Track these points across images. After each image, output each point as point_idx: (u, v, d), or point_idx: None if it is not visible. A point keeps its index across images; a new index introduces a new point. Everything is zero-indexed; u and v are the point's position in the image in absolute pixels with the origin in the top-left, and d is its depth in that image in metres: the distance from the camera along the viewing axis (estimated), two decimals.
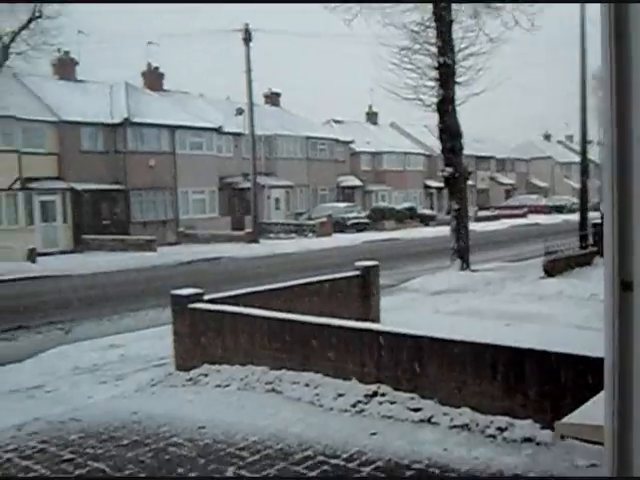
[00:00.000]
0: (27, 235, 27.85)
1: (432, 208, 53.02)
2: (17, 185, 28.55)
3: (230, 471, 4.86)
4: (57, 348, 10.18)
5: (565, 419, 2.77)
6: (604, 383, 1.77)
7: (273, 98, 47.40)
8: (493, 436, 5.23)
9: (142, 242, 29.13)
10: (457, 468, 4.77)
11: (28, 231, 28.48)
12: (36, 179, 29.26)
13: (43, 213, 29.65)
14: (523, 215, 53.94)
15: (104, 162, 31.66)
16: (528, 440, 5.04)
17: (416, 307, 12.74)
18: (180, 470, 4.92)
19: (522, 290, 14.00)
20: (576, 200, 35.62)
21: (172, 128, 33.96)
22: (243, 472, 4.84)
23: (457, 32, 17.01)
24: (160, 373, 8.15)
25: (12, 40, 21.05)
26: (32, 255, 24.25)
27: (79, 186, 30.33)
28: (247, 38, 32.10)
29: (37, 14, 20.96)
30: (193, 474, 4.84)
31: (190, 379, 7.51)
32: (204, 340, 7.85)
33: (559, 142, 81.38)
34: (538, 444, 4.98)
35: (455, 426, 5.48)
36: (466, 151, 19.50)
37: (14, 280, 20.17)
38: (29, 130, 29.28)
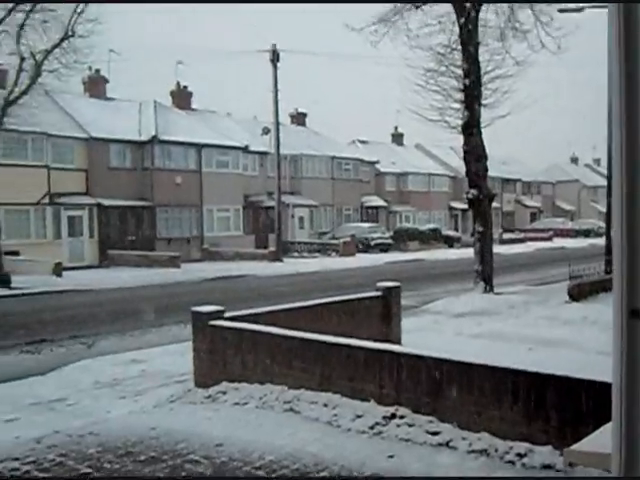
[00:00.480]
0: (54, 249, 28.25)
1: (457, 230, 52.78)
2: (46, 200, 29.02)
3: None
4: (79, 362, 10.27)
5: (574, 446, 2.73)
6: (612, 411, 1.75)
7: (299, 118, 47.75)
8: (512, 462, 5.16)
9: (166, 258, 29.37)
10: None
11: (55, 245, 28.89)
12: (64, 194, 29.73)
13: (70, 228, 30.07)
14: (549, 238, 53.45)
15: (131, 179, 32.08)
16: (547, 467, 4.97)
17: (438, 329, 12.65)
18: None
19: (546, 314, 13.83)
20: (602, 224, 35.24)
21: (199, 146, 34.33)
22: None
23: (483, 55, 17.05)
24: (179, 389, 8.17)
25: (45, 58, 21.48)
26: (58, 269, 24.56)
27: (106, 202, 30.74)
28: (274, 59, 32.44)
29: (70, 33, 21.39)
30: None
31: (209, 396, 7.52)
32: (224, 357, 7.87)
33: (586, 165, 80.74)
34: (558, 471, 4.90)
35: (473, 451, 5.42)
36: (492, 173, 19.45)
37: (40, 293, 20.43)
38: (59, 146, 29.82)
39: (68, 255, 29.10)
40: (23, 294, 20.32)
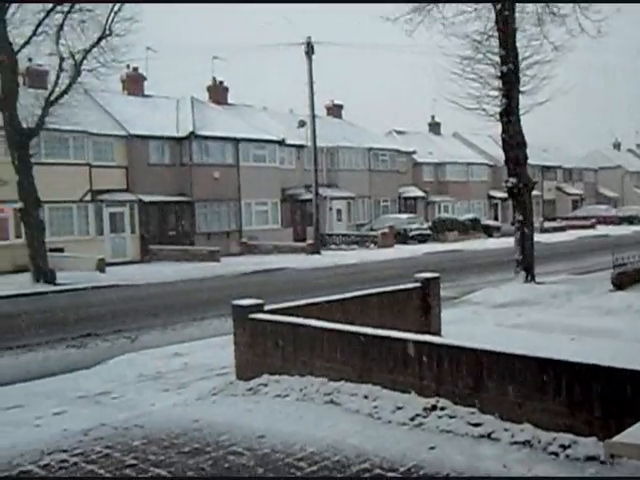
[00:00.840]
0: (97, 245, 28.80)
1: (496, 219, 52.14)
2: (88, 197, 29.57)
3: None
4: (123, 356, 10.48)
5: (616, 438, 2.69)
6: None
7: (335, 110, 47.66)
8: (555, 453, 5.10)
9: (206, 253, 29.68)
10: None
11: (98, 241, 29.44)
12: (106, 191, 30.25)
13: (112, 224, 30.59)
14: (591, 226, 52.44)
15: (170, 174, 32.47)
16: (592, 459, 4.90)
17: (478, 320, 12.55)
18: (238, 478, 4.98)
19: (589, 303, 13.61)
20: None
21: (236, 141, 34.54)
22: None
23: (521, 40, 16.77)
24: (221, 382, 8.27)
25: (84, 58, 21.82)
26: (101, 265, 25.02)
27: (146, 198, 31.18)
28: (309, 51, 32.43)
29: (107, 32, 21.69)
30: None
31: (250, 389, 7.60)
32: (264, 350, 7.94)
33: (629, 150, 78.89)
34: (602, 463, 4.83)
35: (516, 442, 5.38)
36: (531, 161, 19.14)
37: (84, 289, 20.86)
38: (99, 144, 30.35)
39: (111, 251, 29.64)
40: (68, 290, 20.77)
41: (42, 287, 20.96)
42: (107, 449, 5.78)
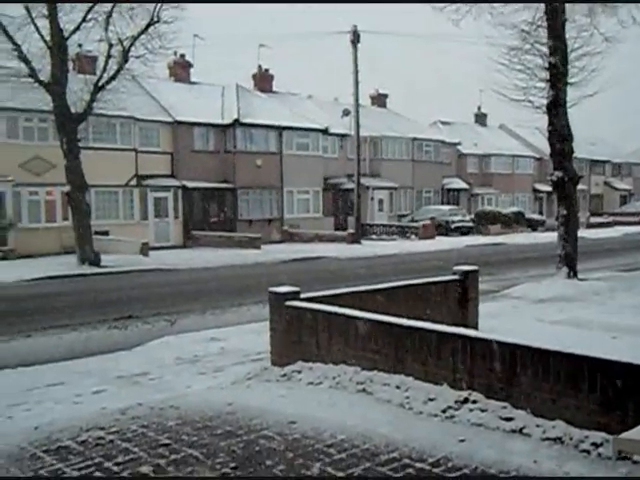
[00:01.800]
0: (141, 229, 29.32)
1: (541, 213, 51.32)
2: (133, 182, 30.09)
3: (316, 467, 4.95)
4: (163, 338, 10.70)
5: (624, 434, 2.64)
6: None
7: (380, 99, 47.41)
8: (587, 451, 5.04)
9: (247, 239, 29.95)
10: None
11: (142, 226, 29.97)
12: (150, 176, 30.74)
13: (156, 209, 31.09)
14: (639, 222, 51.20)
15: (214, 161, 32.80)
16: (624, 458, 4.83)
17: (517, 315, 12.42)
18: (268, 462, 5.06)
19: (632, 302, 13.32)
20: None
21: (280, 129, 34.68)
22: (329, 469, 4.92)
23: (570, 31, 16.41)
24: (256, 367, 8.38)
25: (132, 44, 22.17)
26: (145, 249, 25.47)
27: (190, 184, 31.57)
28: (355, 39, 32.30)
29: (155, 19, 21.97)
30: (280, 467, 4.97)
31: (284, 375, 7.68)
32: (299, 337, 8.01)
33: None
34: (635, 462, 4.76)
35: (548, 438, 5.33)
36: (578, 154, 18.81)
37: (127, 272, 21.29)
38: (145, 130, 30.82)
39: (154, 235, 30.14)
40: (112, 272, 21.23)
41: (87, 269, 21.47)
42: (143, 428, 5.92)
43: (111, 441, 5.60)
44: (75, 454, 5.34)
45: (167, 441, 5.56)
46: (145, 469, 4.97)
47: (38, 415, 6.79)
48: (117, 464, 5.09)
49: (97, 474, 4.92)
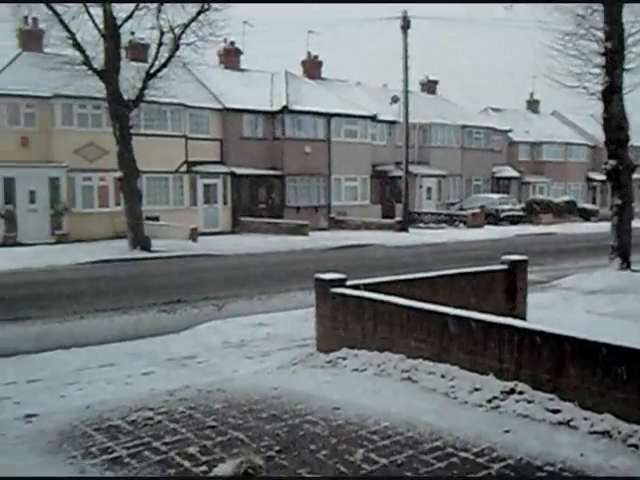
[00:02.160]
0: (190, 215, 29.74)
1: (594, 202, 50.11)
2: (183, 168, 30.51)
3: (359, 453, 4.99)
4: (210, 322, 10.87)
5: None
6: None
7: (429, 85, 46.88)
8: (635, 446, 4.95)
9: (295, 226, 30.10)
10: (592, 475, 4.58)
11: (191, 211, 30.40)
12: (200, 163, 31.11)
13: (205, 195, 31.48)
14: None
15: (262, 148, 32.99)
16: None
17: (567, 306, 12.20)
18: (312, 447, 5.12)
19: None
20: None
21: (328, 116, 34.63)
22: (372, 455, 4.95)
23: (627, 16, 15.90)
24: (302, 353, 8.45)
25: (183, 32, 22.41)
26: (194, 234, 25.84)
27: (239, 170, 31.85)
28: (405, 25, 31.98)
29: (206, 7, 22.16)
30: (324, 452, 5.02)
31: (329, 361, 7.73)
32: (344, 324, 8.04)
33: None
34: None
35: (595, 432, 5.25)
36: (634, 142, 18.28)
37: (177, 257, 21.65)
38: (195, 117, 31.18)
39: (203, 221, 30.55)
40: (162, 257, 21.62)
41: (138, 253, 21.92)
42: (190, 410, 6.05)
43: (159, 421, 5.74)
44: (125, 433, 5.49)
45: (213, 423, 5.67)
46: (192, 450, 5.08)
47: (90, 395, 7.00)
48: (165, 444, 5.22)
49: (145, 453, 5.06)
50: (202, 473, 4.69)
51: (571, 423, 5.45)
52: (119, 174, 22.92)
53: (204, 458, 4.92)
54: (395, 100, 37.43)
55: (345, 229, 33.08)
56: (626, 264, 16.20)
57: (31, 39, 28.56)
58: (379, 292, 8.04)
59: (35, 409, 6.35)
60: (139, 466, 4.84)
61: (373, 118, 36.68)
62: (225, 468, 4.48)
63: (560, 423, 5.50)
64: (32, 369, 8.16)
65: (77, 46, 21.47)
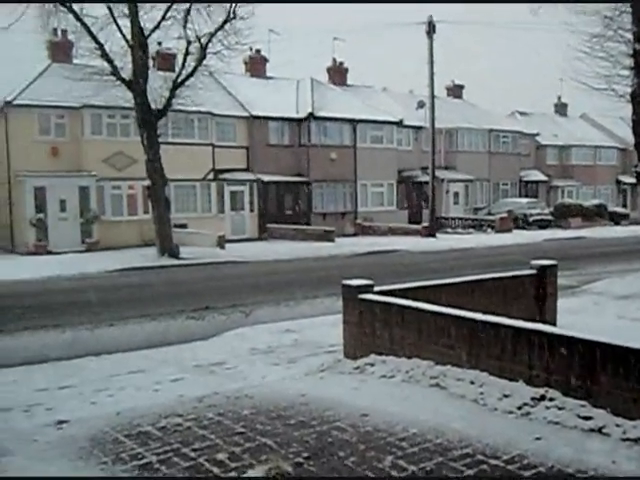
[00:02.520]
0: (218, 222, 29.93)
1: (625, 206, 49.38)
2: (211, 176, 30.73)
3: (388, 460, 4.96)
4: (238, 329, 10.91)
5: None
6: None
7: (456, 90, 46.65)
8: None
9: (321, 232, 30.11)
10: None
11: (219, 219, 30.59)
12: (227, 170, 31.32)
13: (232, 202, 31.66)
14: None
15: (289, 155, 33.10)
16: None
17: (598, 311, 12.02)
18: (340, 454, 5.11)
19: None
20: None
21: (354, 122, 34.64)
22: (401, 462, 4.92)
23: None
24: (329, 359, 8.44)
25: (209, 41, 22.61)
26: (221, 241, 25.99)
27: (265, 177, 31.99)
28: (430, 30, 31.89)
29: (231, 15, 22.35)
30: (352, 459, 5.01)
31: (357, 367, 7.71)
32: (372, 330, 8.02)
33: None
34: None
35: (628, 439, 5.16)
36: None
37: (205, 264, 21.79)
38: (222, 125, 31.40)
39: (230, 228, 30.72)
40: (190, 264, 21.78)
41: (166, 261, 22.11)
42: (219, 416, 6.07)
43: (189, 428, 5.78)
44: (154, 439, 5.53)
45: (242, 429, 5.69)
46: (221, 456, 5.10)
47: (120, 401, 7.07)
48: (194, 450, 5.25)
49: (175, 459, 5.09)
50: None
51: (603, 430, 5.37)
52: (147, 182, 23.16)
53: (233, 464, 4.94)
54: (421, 105, 37.32)
55: (372, 235, 33.02)
56: None
57: (60, 50, 29.06)
58: (407, 298, 8.02)
59: (66, 415, 6.43)
60: (169, 472, 4.87)
61: (399, 124, 36.60)
62: (254, 474, 4.49)
63: (592, 430, 5.42)
64: (63, 376, 8.27)
65: (105, 57, 21.78)
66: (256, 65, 36.78)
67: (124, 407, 6.58)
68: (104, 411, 6.57)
